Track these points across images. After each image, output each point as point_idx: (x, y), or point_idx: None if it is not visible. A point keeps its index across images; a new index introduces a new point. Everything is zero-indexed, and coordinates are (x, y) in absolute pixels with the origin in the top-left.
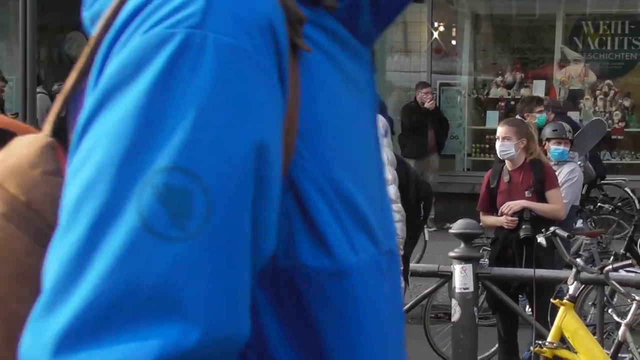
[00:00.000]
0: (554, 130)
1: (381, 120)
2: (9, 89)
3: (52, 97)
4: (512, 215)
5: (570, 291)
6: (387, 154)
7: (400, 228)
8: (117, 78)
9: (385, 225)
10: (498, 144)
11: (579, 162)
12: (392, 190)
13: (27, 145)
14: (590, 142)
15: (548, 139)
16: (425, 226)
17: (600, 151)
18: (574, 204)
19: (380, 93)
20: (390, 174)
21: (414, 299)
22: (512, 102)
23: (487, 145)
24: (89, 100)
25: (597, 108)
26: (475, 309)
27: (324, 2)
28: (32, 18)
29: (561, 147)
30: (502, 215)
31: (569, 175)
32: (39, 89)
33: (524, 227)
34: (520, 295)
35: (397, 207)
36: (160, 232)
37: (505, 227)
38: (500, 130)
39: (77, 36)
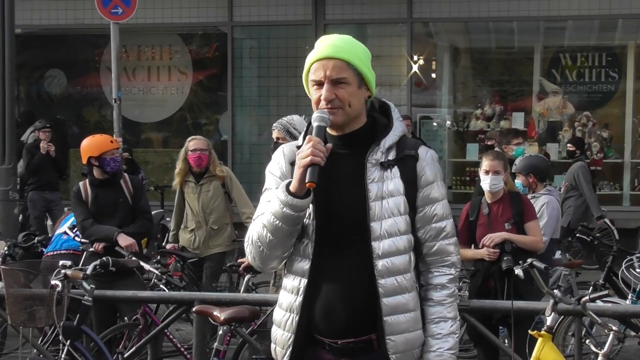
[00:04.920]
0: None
1: None
2: None
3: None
4: (494, 247)
5: (548, 322)
6: None
7: None
8: None
9: None
10: (489, 177)
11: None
12: None
13: None
14: None
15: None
16: None
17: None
18: (553, 237)
19: None
20: None
21: None
22: None
23: (467, 178)
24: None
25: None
26: None
27: None
28: (10, 55)
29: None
30: (482, 247)
31: (542, 210)
32: (31, 128)
33: (505, 258)
34: (500, 327)
35: None
36: None
37: (487, 259)
38: (490, 164)
39: (57, 73)
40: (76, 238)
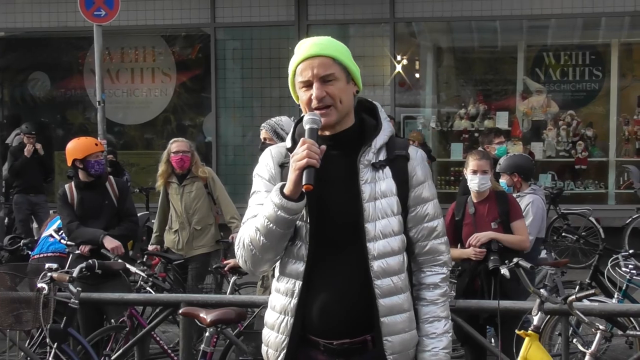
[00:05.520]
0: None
1: None
2: None
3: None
4: (480, 246)
5: (535, 322)
6: None
7: None
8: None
9: None
10: (477, 177)
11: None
12: None
13: None
14: None
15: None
16: None
17: (564, 181)
18: (539, 236)
19: None
20: None
21: None
22: (476, 134)
23: (452, 178)
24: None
25: (560, 138)
26: None
27: None
28: None
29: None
30: (469, 246)
31: (527, 210)
32: (16, 130)
33: (492, 258)
34: (487, 327)
35: None
36: None
37: (473, 258)
38: (477, 164)
39: (40, 76)
40: (62, 241)
